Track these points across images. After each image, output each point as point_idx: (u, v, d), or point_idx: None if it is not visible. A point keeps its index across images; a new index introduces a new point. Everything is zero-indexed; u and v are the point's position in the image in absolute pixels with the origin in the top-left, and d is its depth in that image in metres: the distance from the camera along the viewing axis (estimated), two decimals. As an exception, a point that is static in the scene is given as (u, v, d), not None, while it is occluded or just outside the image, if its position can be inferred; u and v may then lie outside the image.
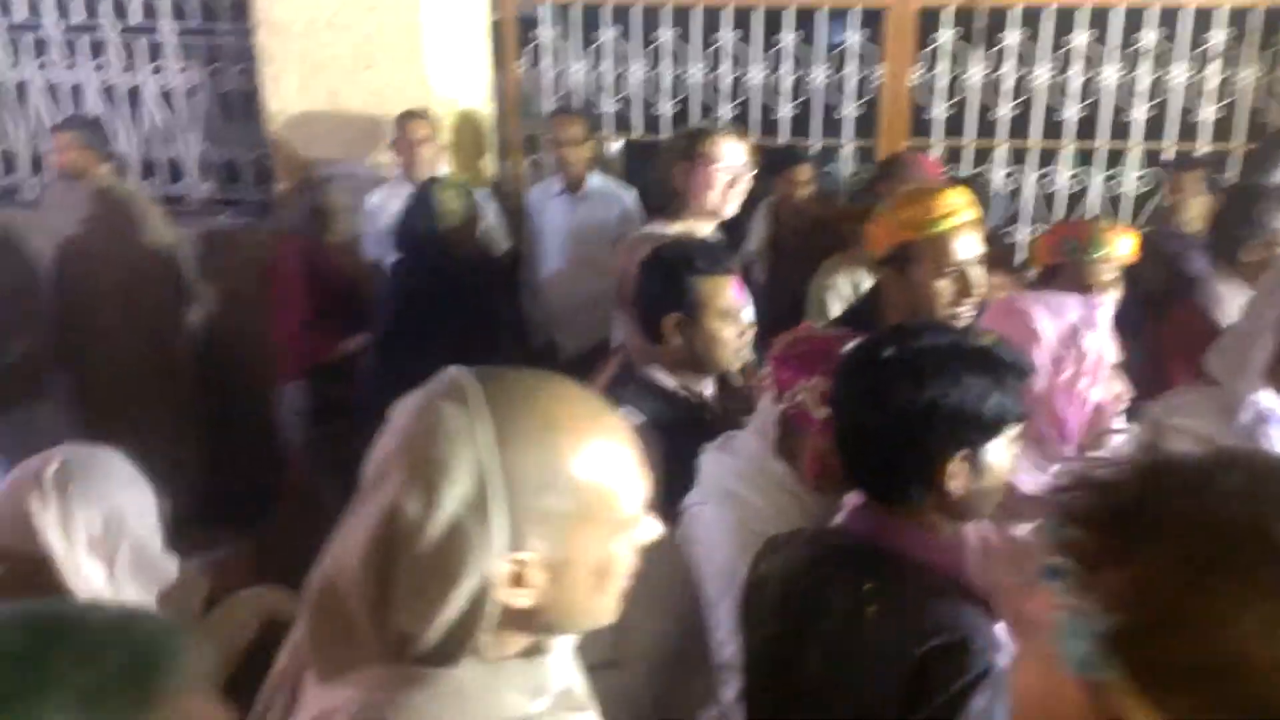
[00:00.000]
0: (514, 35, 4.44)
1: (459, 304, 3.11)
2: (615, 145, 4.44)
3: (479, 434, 0.89)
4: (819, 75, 4.23)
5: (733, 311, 2.13)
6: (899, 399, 1.35)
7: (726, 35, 4.24)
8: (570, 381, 0.98)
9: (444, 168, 3.95)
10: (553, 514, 0.90)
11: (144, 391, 3.81)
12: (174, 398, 3.97)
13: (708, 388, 2.19)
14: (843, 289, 3.08)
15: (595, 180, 4.04)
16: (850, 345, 1.50)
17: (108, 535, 1.54)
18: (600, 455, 0.93)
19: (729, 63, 4.28)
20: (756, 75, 4.27)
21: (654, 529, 0.99)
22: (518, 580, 0.90)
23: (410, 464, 0.90)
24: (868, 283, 2.80)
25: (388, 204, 3.82)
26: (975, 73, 4.13)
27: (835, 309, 2.98)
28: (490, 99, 4.46)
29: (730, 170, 2.77)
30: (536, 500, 0.90)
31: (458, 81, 4.27)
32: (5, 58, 4.78)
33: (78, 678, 0.68)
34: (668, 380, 2.14)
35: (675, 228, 2.75)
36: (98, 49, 4.69)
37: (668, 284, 2.12)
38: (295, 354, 3.74)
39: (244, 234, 4.46)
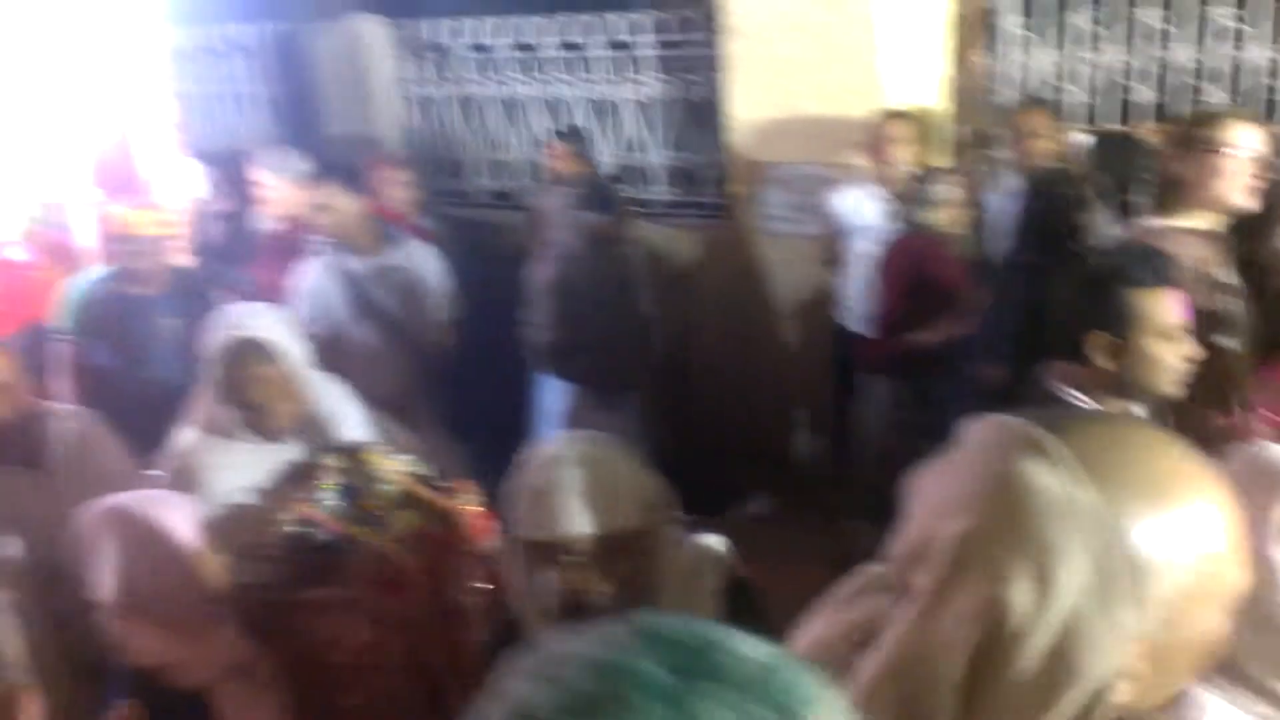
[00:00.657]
0: (976, 26, 4.30)
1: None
2: (1081, 138, 4.15)
3: (1085, 506, 0.76)
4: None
5: (1172, 330, 1.91)
6: None
7: (1222, 10, 3.81)
8: (1151, 429, 0.86)
9: (915, 168, 3.90)
10: (1167, 592, 0.78)
11: (631, 378, 4.08)
12: (658, 388, 4.15)
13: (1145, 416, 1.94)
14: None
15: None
16: None
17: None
18: (1209, 519, 0.80)
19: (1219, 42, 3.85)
20: (1255, 55, 3.80)
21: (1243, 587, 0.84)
22: (1124, 673, 0.78)
23: (1008, 544, 0.77)
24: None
25: (859, 205, 3.95)
26: None
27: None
28: (945, 94, 4.36)
29: (1242, 158, 2.48)
30: (1151, 579, 0.77)
31: (912, 77, 4.22)
32: (500, 75, 5.44)
33: None
34: (1090, 406, 1.92)
35: (1173, 223, 2.50)
36: (574, 65, 5.18)
37: (1094, 297, 1.93)
38: (885, 348, 3.76)
39: (722, 231, 4.72)
